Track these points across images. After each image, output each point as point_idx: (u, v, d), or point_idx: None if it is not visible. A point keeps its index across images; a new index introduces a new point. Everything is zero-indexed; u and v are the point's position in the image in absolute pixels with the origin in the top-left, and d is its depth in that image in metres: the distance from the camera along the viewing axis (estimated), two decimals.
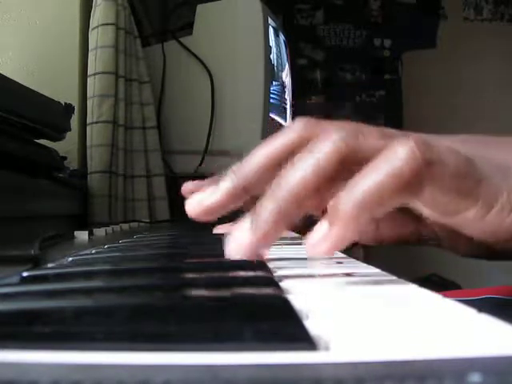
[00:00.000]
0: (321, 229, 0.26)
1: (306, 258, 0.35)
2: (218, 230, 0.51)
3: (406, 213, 0.35)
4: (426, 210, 0.29)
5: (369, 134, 0.28)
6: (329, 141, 0.27)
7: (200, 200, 0.31)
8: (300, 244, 0.49)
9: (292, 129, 0.30)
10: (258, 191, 0.29)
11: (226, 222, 0.56)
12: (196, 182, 0.39)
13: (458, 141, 0.32)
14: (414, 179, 0.25)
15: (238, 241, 0.28)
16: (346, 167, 0.27)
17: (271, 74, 1.21)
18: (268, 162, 0.30)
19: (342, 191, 0.25)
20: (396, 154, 0.25)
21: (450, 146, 0.27)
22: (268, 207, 0.27)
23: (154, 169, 1.04)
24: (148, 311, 0.17)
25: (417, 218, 0.35)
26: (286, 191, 0.26)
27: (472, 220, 0.28)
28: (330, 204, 0.26)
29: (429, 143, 0.26)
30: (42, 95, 0.72)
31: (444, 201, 0.27)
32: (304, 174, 0.27)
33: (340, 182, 0.26)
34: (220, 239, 0.40)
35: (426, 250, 2.10)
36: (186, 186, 0.42)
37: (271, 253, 0.36)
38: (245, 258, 0.27)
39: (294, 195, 0.26)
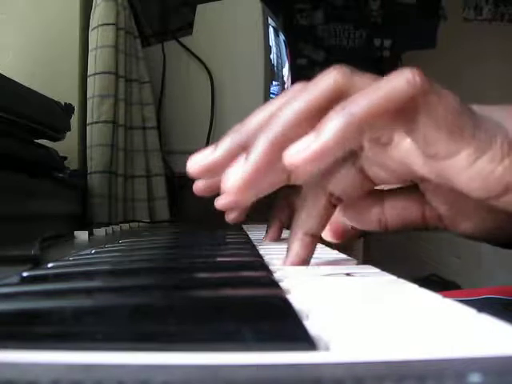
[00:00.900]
0: (306, 139, 0.25)
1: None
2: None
3: (409, 197, 0.35)
4: (419, 161, 0.28)
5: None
6: (325, 76, 0.27)
7: (200, 159, 0.32)
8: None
9: (286, 92, 0.30)
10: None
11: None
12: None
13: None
14: (410, 104, 0.25)
15: (234, 175, 0.28)
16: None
17: (271, 74, 1.21)
18: (264, 122, 0.30)
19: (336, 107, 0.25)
20: (395, 79, 0.25)
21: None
22: (260, 138, 0.27)
23: (154, 169, 1.04)
24: (148, 311, 0.17)
25: (421, 202, 0.34)
26: (276, 121, 0.27)
27: (461, 166, 0.27)
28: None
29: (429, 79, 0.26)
30: (42, 95, 0.72)
31: (436, 138, 0.26)
32: (294, 103, 0.27)
33: None
34: (219, 239, 0.40)
35: (426, 250, 2.10)
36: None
37: (271, 252, 0.36)
38: (241, 196, 0.28)
39: (285, 123, 0.27)
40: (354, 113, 0.25)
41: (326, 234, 0.38)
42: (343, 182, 0.33)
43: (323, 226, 0.34)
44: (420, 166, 0.29)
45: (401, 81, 0.25)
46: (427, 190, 0.34)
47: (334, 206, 0.34)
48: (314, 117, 0.27)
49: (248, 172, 0.28)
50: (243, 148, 0.30)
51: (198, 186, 0.39)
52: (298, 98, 0.28)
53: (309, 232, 0.34)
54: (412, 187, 0.34)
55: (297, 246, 0.33)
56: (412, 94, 0.25)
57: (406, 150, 0.29)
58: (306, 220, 0.34)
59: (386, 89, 0.25)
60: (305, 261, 0.33)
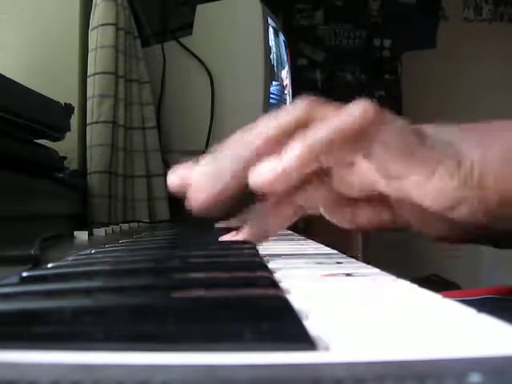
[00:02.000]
0: (270, 162, 0.29)
1: (306, 258, 0.36)
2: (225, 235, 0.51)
3: (380, 203, 0.36)
4: (379, 180, 0.31)
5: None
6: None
7: (181, 173, 0.34)
8: (299, 241, 0.49)
9: (295, 108, 0.33)
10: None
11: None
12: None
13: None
14: (364, 132, 0.29)
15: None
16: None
17: (271, 73, 1.21)
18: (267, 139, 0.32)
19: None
20: (351, 110, 0.29)
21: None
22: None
23: (154, 169, 1.04)
24: (148, 311, 0.17)
25: (391, 207, 0.36)
26: (246, 146, 0.30)
27: (414, 185, 0.30)
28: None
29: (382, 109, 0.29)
30: (41, 95, 0.72)
31: (389, 161, 0.30)
32: (264, 129, 0.30)
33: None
34: (219, 239, 0.40)
35: (426, 250, 2.10)
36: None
37: (270, 252, 0.36)
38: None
39: (253, 147, 0.30)
40: (312, 139, 0.29)
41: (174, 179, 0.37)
42: (310, 195, 0.35)
43: (278, 228, 0.38)
44: (381, 184, 0.32)
45: (355, 112, 0.29)
46: (394, 202, 0.36)
47: (295, 213, 0.37)
48: (281, 141, 0.30)
49: (216, 187, 0.32)
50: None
51: (172, 181, 0.42)
52: (267, 126, 0.31)
53: (263, 229, 0.37)
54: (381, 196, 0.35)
55: (247, 235, 0.37)
56: (364, 122, 0.28)
57: (367, 171, 0.32)
58: (264, 219, 0.37)
59: (341, 119, 0.29)
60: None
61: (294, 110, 0.31)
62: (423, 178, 0.29)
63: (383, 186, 0.32)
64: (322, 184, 0.35)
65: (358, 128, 0.28)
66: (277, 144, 0.30)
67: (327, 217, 0.37)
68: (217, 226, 0.52)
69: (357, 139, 0.29)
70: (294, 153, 0.29)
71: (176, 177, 0.34)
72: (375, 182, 0.32)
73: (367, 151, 0.30)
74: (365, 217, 0.37)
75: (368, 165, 0.31)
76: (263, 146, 0.31)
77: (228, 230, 0.40)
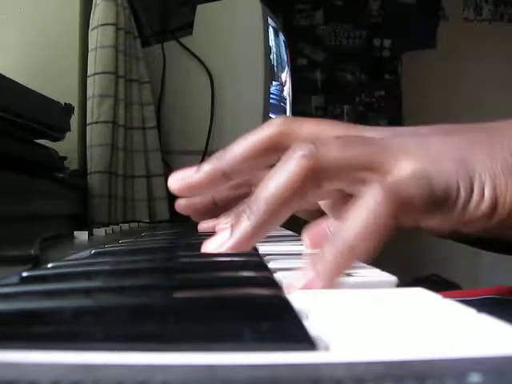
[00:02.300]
0: (220, 236, 0.30)
1: (306, 258, 0.35)
2: (202, 225, 0.52)
3: None
4: None
5: (330, 144, 0.29)
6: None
7: (182, 177, 0.35)
8: (298, 241, 0.49)
9: (271, 124, 0.33)
10: (235, 178, 0.34)
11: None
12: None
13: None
14: (307, 176, 0.28)
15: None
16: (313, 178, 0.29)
17: (271, 73, 1.21)
18: (246, 153, 0.33)
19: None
20: (290, 160, 0.28)
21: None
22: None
23: (154, 169, 1.04)
24: (147, 311, 0.17)
25: None
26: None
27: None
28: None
29: (324, 147, 0.28)
30: (41, 95, 0.72)
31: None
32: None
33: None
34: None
35: (426, 250, 2.10)
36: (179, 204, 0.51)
37: (271, 252, 0.36)
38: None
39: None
40: (266, 199, 0.28)
41: (307, 242, 0.38)
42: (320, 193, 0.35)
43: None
44: None
45: (294, 161, 0.28)
46: None
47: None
48: (260, 155, 0.32)
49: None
50: (223, 174, 0.34)
51: (180, 204, 0.43)
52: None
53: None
54: None
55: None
56: (305, 169, 0.28)
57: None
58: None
59: (284, 171, 0.28)
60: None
61: (267, 128, 0.32)
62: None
63: None
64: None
65: (298, 175, 0.28)
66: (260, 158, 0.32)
67: (332, 215, 0.37)
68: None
69: (302, 184, 0.29)
70: (241, 229, 0.29)
71: (176, 181, 0.35)
72: None
73: (319, 189, 0.29)
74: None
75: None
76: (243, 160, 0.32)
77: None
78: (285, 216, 0.29)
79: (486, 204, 0.28)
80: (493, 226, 0.29)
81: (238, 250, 0.29)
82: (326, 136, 0.31)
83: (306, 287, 0.23)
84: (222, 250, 0.29)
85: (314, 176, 0.28)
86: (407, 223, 0.28)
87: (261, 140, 0.33)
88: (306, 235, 0.38)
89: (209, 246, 0.30)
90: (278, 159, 0.29)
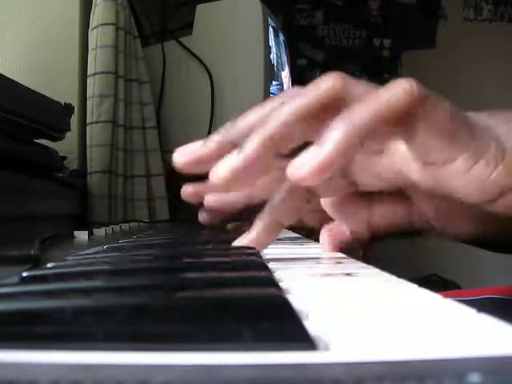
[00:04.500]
0: (309, 151, 0.25)
1: (306, 258, 0.36)
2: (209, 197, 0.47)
3: (396, 201, 0.35)
4: (415, 168, 0.29)
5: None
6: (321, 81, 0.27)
7: (189, 150, 0.31)
8: (301, 244, 0.49)
9: (282, 94, 0.31)
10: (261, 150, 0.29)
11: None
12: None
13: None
14: (408, 112, 0.25)
15: (223, 167, 0.28)
16: (339, 106, 0.26)
17: (271, 73, 1.21)
18: (258, 121, 0.30)
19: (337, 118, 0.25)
20: (392, 88, 0.25)
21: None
22: (255, 135, 0.27)
23: (154, 169, 1.04)
24: (147, 311, 0.17)
25: (407, 205, 0.35)
26: (272, 120, 0.27)
27: (458, 172, 0.28)
28: (324, 131, 0.25)
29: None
30: (41, 95, 0.72)
31: (434, 145, 0.27)
32: (291, 105, 0.27)
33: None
34: (219, 239, 0.40)
35: (426, 250, 2.10)
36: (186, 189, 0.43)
37: (271, 252, 0.36)
38: (229, 187, 0.28)
39: (280, 123, 0.27)
40: (355, 123, 0.25)
41: (325, 246, 0.38)
42: (325, 184, 0.34)
43: (291, 218, 0.34)
44: (416, 173, 0.29)
45: (399, 90, 0.25)
46: (415, 196, 0.34)
47: (308, 202, 0.34)
48: (309, 120, 0.27)
49: (238, 164, 0.27)
50: (233, 145, 0.30)
51: (187, 191, 0.39)
52: (294, 100, 0.27)
53: (276, 219, 0.34)
54: (398, 191, 0.34)
55: (259, 227, 0.33)
56: (410, 102, 0.25)
57: (402, 158, 0.29)
58: (277, 206, 0.34)
59: (384, 98, 0.25)
60: (261, 244, 0.34)
61: (323, 85, 0.27)
62: (468, 165, 0.27)
63: (419, 175, 0.29)
64: (338, 174, 0.33)
65: (402, 108, 0.25)
66: (304, 124, 0.27)
67: (336, 216, 0.36)
68: (215, 225, 0.52)
69: (399, 122, 0.26)
70: (335, 139, 0.24)
71: (183, 155, 0.31)
72: (406, 171, 0.30)
73: (409, 134, 0.27)
74: (381, 216, 0.35)
75: (403, 151, 0.29)
76: (290, 125, 0.27)
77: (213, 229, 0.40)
78: (294, 136, 0.27)
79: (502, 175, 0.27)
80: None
81: (332, 166, 0.25)
82: None
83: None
84: (316, 167, 0.25)
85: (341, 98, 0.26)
86: (427, 144, 0.26)
87: (271, 109, 0.29)
88: (326, 232, 0.37)
89: (299, 164, 0.25)
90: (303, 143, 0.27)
